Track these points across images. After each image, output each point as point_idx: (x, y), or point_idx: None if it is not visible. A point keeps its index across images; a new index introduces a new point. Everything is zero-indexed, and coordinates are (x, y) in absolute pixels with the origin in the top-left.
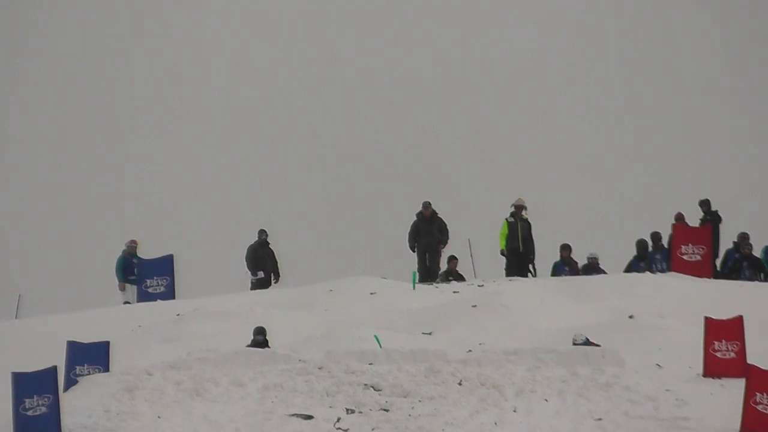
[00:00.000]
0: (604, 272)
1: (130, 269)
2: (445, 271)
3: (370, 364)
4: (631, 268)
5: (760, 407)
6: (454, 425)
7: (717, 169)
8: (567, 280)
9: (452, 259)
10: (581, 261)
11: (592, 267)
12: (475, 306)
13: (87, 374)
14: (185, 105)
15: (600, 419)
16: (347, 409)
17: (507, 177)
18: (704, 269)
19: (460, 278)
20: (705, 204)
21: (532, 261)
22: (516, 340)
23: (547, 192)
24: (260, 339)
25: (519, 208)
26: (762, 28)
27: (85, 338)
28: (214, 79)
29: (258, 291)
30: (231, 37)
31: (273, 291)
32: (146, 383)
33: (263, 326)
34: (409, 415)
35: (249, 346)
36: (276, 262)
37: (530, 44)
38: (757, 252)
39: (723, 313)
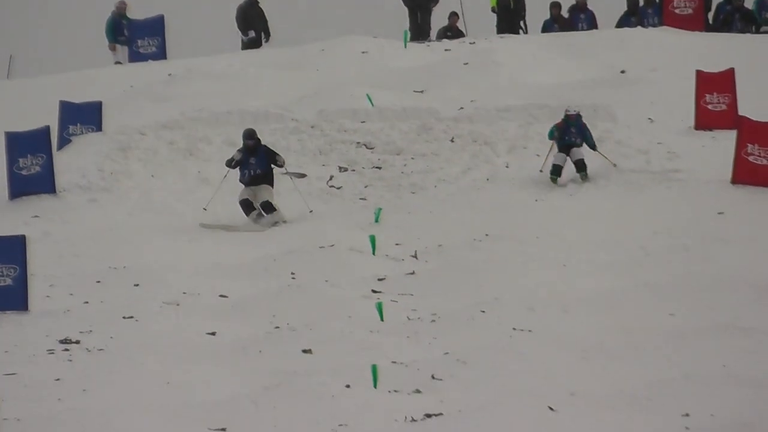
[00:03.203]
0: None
1: (120, 30)
2: (445, 27)
3: (363, 122)
4: (622, 23)
5: (751, 158)
6: (447, 181)
7: None
8: (559, 36)
9: (453, 15)
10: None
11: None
12: (466, 63)
13: (80, 134)
14: None
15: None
16: (340, 167)
17: None
18: (696, 22)
19: (459, 34)
20: None
21: (523, 18)
22: (508, 97)
23: None
24: (250, 143)
25: None
26: None
27: (78, 98)
28: None
29: (249, 51)
30: None
31: (264, 51)
32: (139, 143)
33: (253, 128)
34: (402, 173)
35: (239, 150)
36: (266, 22)
37: None
38: (749, 3)
39: (715, 65)
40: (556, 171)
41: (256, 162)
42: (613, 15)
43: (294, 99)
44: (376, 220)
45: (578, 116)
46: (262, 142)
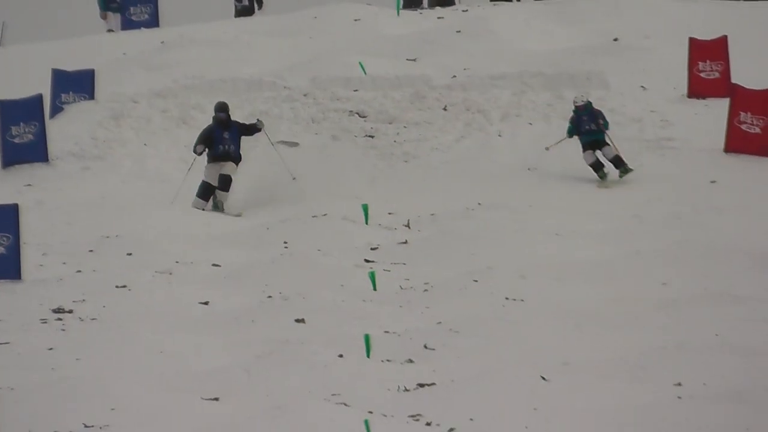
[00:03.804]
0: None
1: None
2: None
3: (355, 90)
4: None
5: (743, 126)
6: (440, 150)
7: None
8: (552, 3)
9: None
10: None
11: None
12: (459, 31)
13: (73, 102)
14: None
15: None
16: (333, 136)
17: None
18: None
19: (452, 1)
20: None
21: None
22: (501, 65)
23: None
24: (223, 116)
25: None
26: None
27: (70, 66)
28: None
29: (242, 18)
30: None
31: (257, 18)
32: (132, 111)
33: (225, 102)
34: (395, 141)
35: (211, 125)
36: None
37: None
38: None
39: (708, 33)
40: (598, 167)
41: (230, 137)
42: None
43: (287, 66)
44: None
45: (587, 104)
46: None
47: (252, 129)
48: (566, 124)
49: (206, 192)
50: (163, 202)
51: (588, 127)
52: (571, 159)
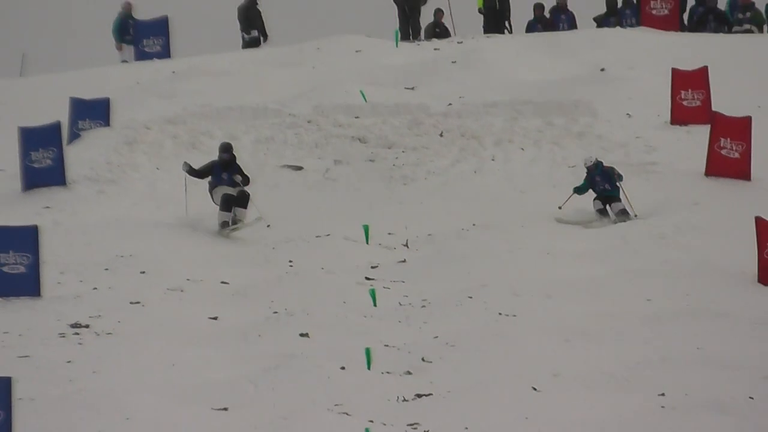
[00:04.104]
0: (612, 168)
1: (126, 30)
2: (432, 23)
3: (357, 117)
4: (602, 23)
5: (723, 151)
6: (436, 173)
7: None
8: (541, 36)
9: (438, 12)
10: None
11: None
12: (455, 62)
13: (89, 129)
14: None
15: (574, 166)
16: (335, 160)
17: None
18: (672, 23)
19: (445, 31)
20: None
21: (508, 18)
22: (494, 94)
23: None
24: (226, 157)
25: None
26: None
27: (87, 95)
28: None
29: (249, 50)
30: None
31: (263, 50)
32: (145, 137)
33: (230, 143)
34: (394, 165)
35: (215, 160)
36: (263, 22)
37: None
38: (722, 5)
39: (689, 64)
40: (603, 213)
41: (228, 178)
42: (592, 16)
43: (291, 95)
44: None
45: (597, 164)
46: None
47: (244, 183)
48: (555, 149)
49: (227, 203)
50: (173, 223)
51: (602, 186)
52: (561, 184)
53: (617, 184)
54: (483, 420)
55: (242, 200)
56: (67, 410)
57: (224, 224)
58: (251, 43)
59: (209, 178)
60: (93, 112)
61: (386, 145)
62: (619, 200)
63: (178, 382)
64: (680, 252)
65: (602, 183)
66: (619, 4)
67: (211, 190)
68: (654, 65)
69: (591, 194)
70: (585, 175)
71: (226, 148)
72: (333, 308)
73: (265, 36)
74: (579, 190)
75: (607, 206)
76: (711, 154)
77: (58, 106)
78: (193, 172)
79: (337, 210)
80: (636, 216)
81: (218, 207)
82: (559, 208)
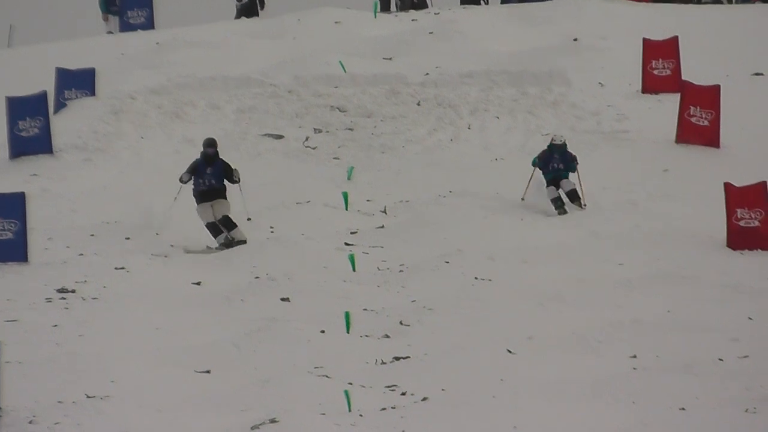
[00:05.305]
0: (573, 156)
1: (112, 1)
2: None
3: (336, 87)
4: None
5: (693, 119)
6: (414, 142)
7: None
8: (517, 7)
9: None
10: None
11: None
12: (432, 33)
13: (75, 98)
14: None
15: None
16: (315, 129)
17: None
18: None
19: (422, 3)
20: None
21: None
22: (470, 64)
23: None
24: (210, 152)
25: None
26: None
27: (73, 65)
28: None
29: (233, 21)
30: None
31: (245, 21)
32: (130, 107)
33: (214, 138)
34: (372, 134)
35: (198, 159)
36: None
37: None
38: None
39: (660, 34)
40: (559, 204)
41: (212, 173)
42: None
43: (273, 66)
44: (349, 178)
45: (563, 144)
46: (221, 155)
47: (230, 177)
48: (530, 117)
49: (216, 228)
50: (158, 191)
51: (555, 165)
52: (535, 152)
53: (573, 170)
54: (459, 381)
55: (228, 223)
56: (54, 373)
57: (223, 246)
58: (243, 10)
59: (192, 179)
60: (79, 82)
61: (365, 114)
62: (566, 176)
63: (162, 345)
64: (651, 218)
65: (558, 162)
66: None
67: (194, 195)
68: (626, 35)
69: (543, 182)
70: (544, 150)
71: (211, 143)
72: (313, 273)
73: (263, 3)
74: (534, 163)
75: (559, 186)
76: (681, 122)
77: (45, 77)
78: (186, 178)
79: (317, 177)
80: (585, 206)
81: (209, 232)
82: (522, 199)
